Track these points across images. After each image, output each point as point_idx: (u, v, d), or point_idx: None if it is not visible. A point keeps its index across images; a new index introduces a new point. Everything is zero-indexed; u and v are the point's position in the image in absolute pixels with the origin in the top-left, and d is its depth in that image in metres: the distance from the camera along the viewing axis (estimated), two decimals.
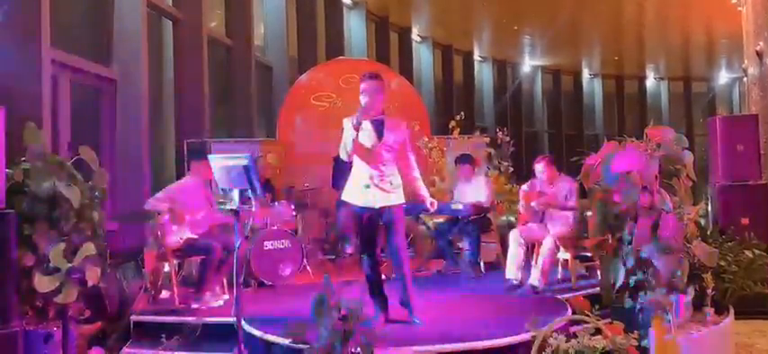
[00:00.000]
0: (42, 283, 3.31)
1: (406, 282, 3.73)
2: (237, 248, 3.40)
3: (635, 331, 3.10)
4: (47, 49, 4.67)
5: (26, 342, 3.29)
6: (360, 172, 3.70)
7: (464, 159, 5.76)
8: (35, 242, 3.38)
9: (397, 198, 3.71)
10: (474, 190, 5.61)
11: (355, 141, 3.56)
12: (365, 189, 3.66)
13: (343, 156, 3.65)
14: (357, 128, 3.53)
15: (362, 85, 3.66)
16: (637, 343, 3.03)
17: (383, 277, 3.93)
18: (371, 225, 3.74)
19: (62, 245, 3.39)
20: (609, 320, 3.42)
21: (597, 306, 3.60)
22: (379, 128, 3.66)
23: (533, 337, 3.09)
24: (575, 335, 3.08)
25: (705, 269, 3.67)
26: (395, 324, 3.65)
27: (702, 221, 5.06)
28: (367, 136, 3.64)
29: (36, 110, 4.45)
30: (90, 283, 3.47)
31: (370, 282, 3.78)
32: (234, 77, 8.38)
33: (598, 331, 3.03)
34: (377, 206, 3.66)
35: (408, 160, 3.82)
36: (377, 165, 3.66)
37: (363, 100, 3.63)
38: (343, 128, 3.67)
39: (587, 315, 3.20)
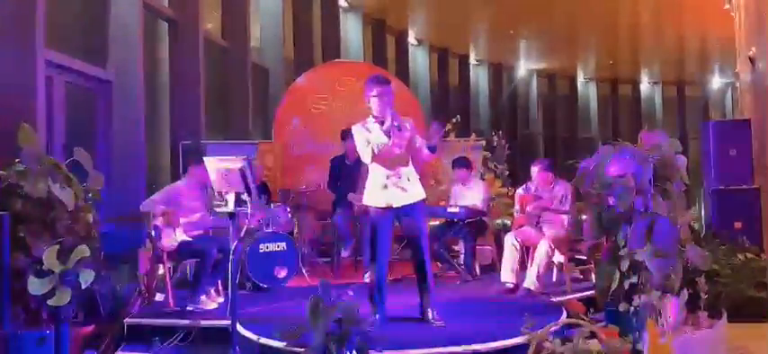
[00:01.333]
0: (35, 285, 3.29)
1: (431, 287, 3.80)
2: (233, 250, 3.40)
3: (630, 335, 3.12)
4: (42, 50, 4.65)
5: (18, 345, 3.27)
6: (377, 174, 3.76)
7: (461, 162, 5.77)
8: (28, 244, 3.37)
9: (414, 195, 3.77)
10: (470, 194, 5.63)
11: (380, 144, 3.65)
12: (383, 190, 3.72)
13: (368, 161, 3.72)
14: (391, 133, 3.64)
15: (377, 90, 3.71)
16: (631, 347, 3.04)
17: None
18: (389, 226, 3.79)
19: (56, 247, 3.37)
20: (603, 323, 3.43)
21: (592, 310, 3.61)
22: (389, 128, 3.71)
23: (529, 340, 3.10)
24: (570, 339, 3.09)
25: (698, 272, 3.69)
26: (390, 328, 3.65)
27: (696, 225, 5.09)
28: (378, 137, 3.69)
29: (31, 111, 4.44)
30: (84, 285, 3.45)
31: (376, 287, 3.78)
32: (230, 79, 8.37)
33: (593, 334, 3.04)
34: (396, 205, 3.72)
35: (417, 144, 3.83)
36: (391, 164, 3.72)
37: (378, 103, 3.69)
38: (355, 135, 3.76)
39: (583, 319, 3.21)
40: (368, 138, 3.69)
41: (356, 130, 3.76)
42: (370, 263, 3.98)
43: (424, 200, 3.85)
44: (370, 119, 3.76)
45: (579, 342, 2.97)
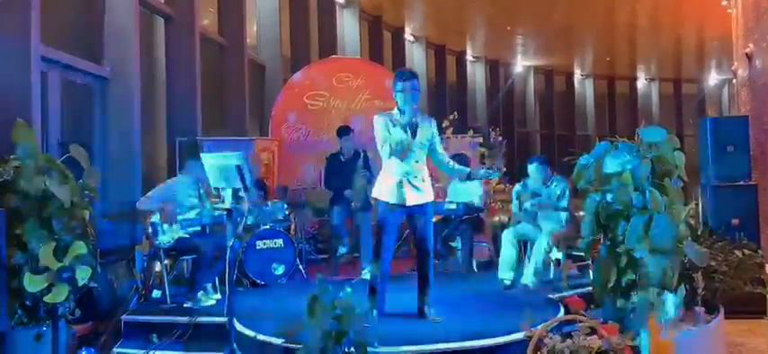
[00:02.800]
0: (32, 282, 3.28)
1: (432, 285, 3.82)
2: (230, 247, 3.39)
3: (630, 331, 3.12)
4: (37, 46, 4.62)
5: (15, 342, 3.26)
6: (393, 169, 3.72)
7: (459, 159, 5.76)
8: (25, 241, 3.35)
9: (427, 195, 3.77)
10: (467, 190, 5.62)
11: (401, 140, 3.63)
12: (398, 187, 3.69)
13: (386, 155, 3.69)
14: (415, 130, 3.62)
15: (402, 84, 3.67)
16: (631, 343, 3.04)
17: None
18: (397, 223, 3.79)
19: (52, 244, 3.35)
20: (601, 320, 3.43)
21: (592, 306, 3.62)
22: (412, 126, 3.69)
23: (528, 337, 3.10)
24: (569, 335, 3.09)
25: (696, 268, 3.70)
26: (388, 324, 3.64)
27: (693, 221, 5.09)
28: (399, 132, 3.66)
29: (26, 107, 4.40)
30: (80, 282, 3.44)
31: (378, 284, 3.77)
32: (226, 76, 8.34)
33: (593, 330, 3.04)
34: (409, 203, 3.70)
35: (441, 152, 3.88)
36: (410, 163, 3.69)
37: (404, 97, 3.66)
38: (375, 125, 3.72)
39: (582, 315, 3.21)
40: (389, 130, 3.65)
41: (377, 121, 3.71)
42: (373, 259, 3.96)
43: (433, 201, 3.86)
44: (395, 112, 3.73)
45: (579, 339, 2.97)
